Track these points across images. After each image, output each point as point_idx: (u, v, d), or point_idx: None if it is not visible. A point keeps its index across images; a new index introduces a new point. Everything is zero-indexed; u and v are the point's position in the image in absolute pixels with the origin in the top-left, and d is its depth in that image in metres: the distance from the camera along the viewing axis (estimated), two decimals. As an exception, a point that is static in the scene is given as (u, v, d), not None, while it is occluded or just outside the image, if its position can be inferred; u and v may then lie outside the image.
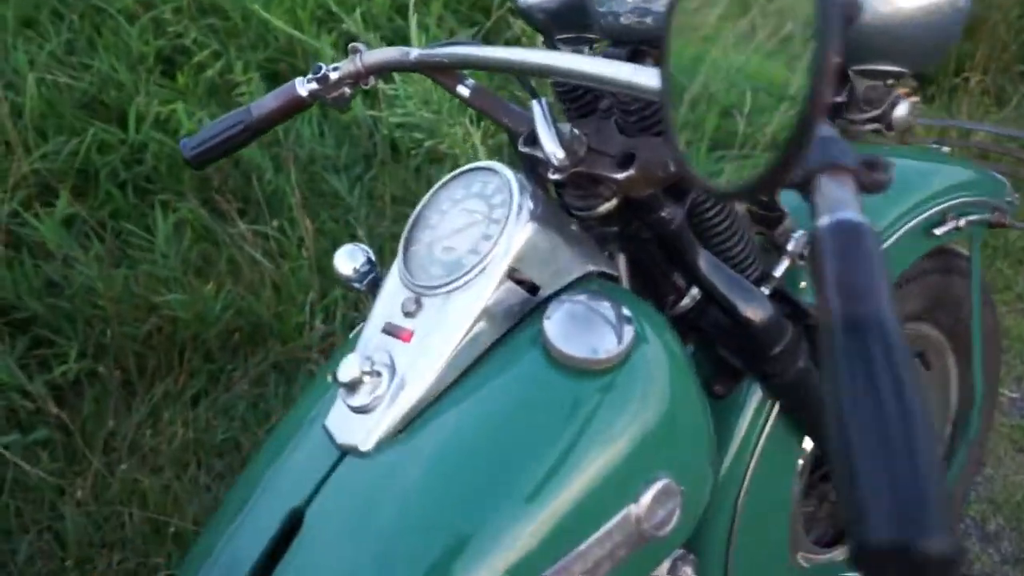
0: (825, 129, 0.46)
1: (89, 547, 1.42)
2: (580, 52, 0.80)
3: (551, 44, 0.82)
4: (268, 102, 0.90)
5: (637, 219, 0.74)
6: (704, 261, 0.74)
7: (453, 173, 0.71)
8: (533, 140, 0.72)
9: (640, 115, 0.69)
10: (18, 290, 1.67)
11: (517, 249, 0.64)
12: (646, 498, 0.61)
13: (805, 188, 0.44)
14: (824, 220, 0.41)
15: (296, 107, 0.89)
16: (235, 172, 2.03)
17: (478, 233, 0.65)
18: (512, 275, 0.64)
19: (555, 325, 0.61)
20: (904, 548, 0.30)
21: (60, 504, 1.45)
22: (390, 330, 0.65)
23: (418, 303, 0.65)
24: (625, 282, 0.76)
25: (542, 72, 0.68)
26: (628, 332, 0.61)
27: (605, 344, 0.61)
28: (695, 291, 0.80)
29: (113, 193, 1.96)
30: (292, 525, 0.62)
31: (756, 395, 0.84)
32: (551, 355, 0.61)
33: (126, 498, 1.46)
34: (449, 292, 0.64)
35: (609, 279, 0.72)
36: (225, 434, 1.57)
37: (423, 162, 2.07)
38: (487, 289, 0.63)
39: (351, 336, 0.79)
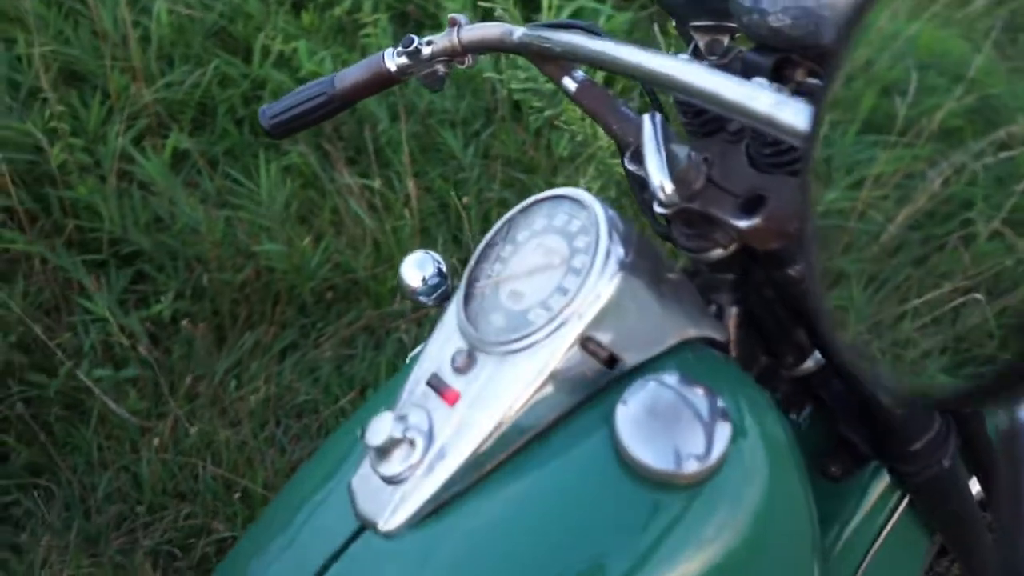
0: None
1: (163, 494, 1.41)
2: (717, 44, 0.64)
3: (683, 31, 0.67)
4: (353, 73, 0.79)
5: (759, 270, 0.59)
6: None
7: (536, 197, 0.58)
8: (640, 158, 0.59)
9: (777, 148, 0.54)
10: (125, 223, 1.67)
11: (596, 312, 0.50)
12: None
13: None
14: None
15: (384, 82, 0.78)
16: (350, 119, 1.96)
17: (553, 282, 0.53)
18: (586, 344, 0.51)
19: (630, 420, 0.48)
20: None
21: (140, 446, 1.46)
22: (436, 384, 0.54)
23: (471, 358, 0.53)
24: (733, 341, 0.62)
25: (660, 83, 0.54)
26: (722, 436, 0.47)
27: (690, 448, 0.47)
28: (819, 354, 0.65)
29: (229, 130, 1.94)
30: None
31: (882, 481, 0.69)
32: (622, 456, 0.48)
33: (203, 449, 1.44)
34: (508, 353, 0.51)
35: (711, 343, 0.58)
36: (307, 396, 1.53)
37: (544, 126, 1.93)
38: (553, 357, 0.50)
39: (408, 361, 0.69)
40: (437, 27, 2.06)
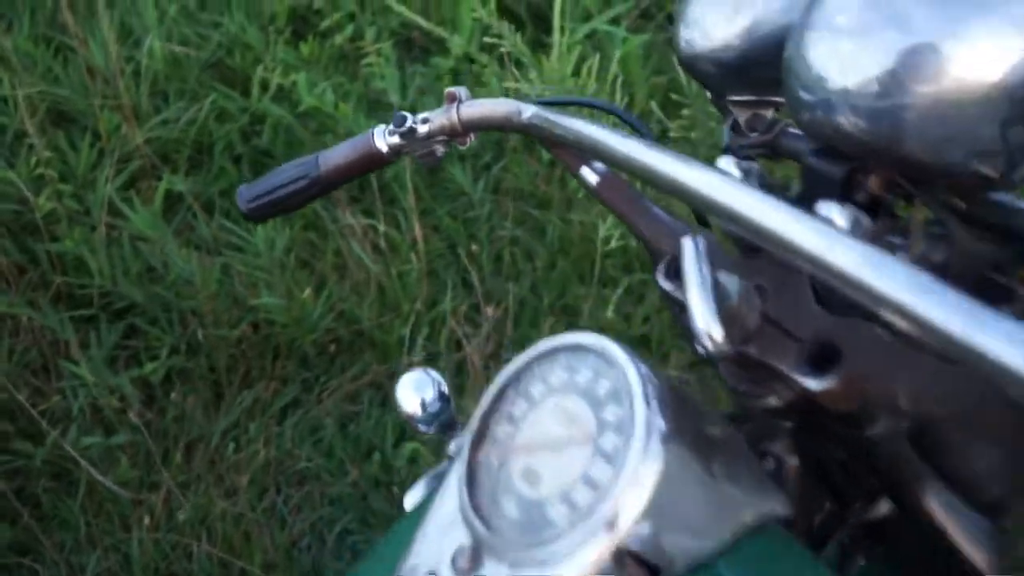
0: None
1: (155, 574, 1.32)
2: (759, 120, 0.54)
3: (720, 104, 0.56)
4: (339, 153, 0.69)
5: (827, 423, 0.48)
6: (934, 497, 0.47)
7: (553, 343, 0.47)
8: (676, 278, 0.48)
9: None
10: (115, 275, 1.58)
11: (634, 517, 0.39)
12: None
13: None
14: None
15: (373, 163, 0.68)
16: (353, 153, 1.86)
17: (577, 467, 0.42)
18: (621, 559, 0.40)
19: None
20: None
21: (131, 522, 1.36)
22: (434, 586, 0.43)
23: (476, 559, 0.42)
24: (792, 497, 0.50)
25: (699, 205, 0.43)
26: None
27: None
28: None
29: (227, 168, 1.84)
30: None
31: None
32: None
33: (197, 525, 1.34)
34: (523, 563, 0.41)
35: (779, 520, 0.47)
36: (309, 462, 1.43)
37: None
38: (581, 568, 0.39)
39: (405, 508, 0.58)
40: (444, 52, 1.95)
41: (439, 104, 0.65)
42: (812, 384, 0.42)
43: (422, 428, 0.58)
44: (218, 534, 1.33)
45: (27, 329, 1.55)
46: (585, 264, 1.67)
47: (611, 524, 0.39)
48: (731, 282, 0.44)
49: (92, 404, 1.47)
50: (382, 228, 1.68)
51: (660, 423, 0.41)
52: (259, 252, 1.57)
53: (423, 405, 0.58)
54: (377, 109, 1.88)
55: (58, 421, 1.45)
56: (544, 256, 1.70)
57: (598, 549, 0.39)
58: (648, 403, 0.41)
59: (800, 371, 0.43)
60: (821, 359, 0.42)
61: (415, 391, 0.58)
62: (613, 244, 1.50)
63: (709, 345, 0.43)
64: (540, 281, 1.68)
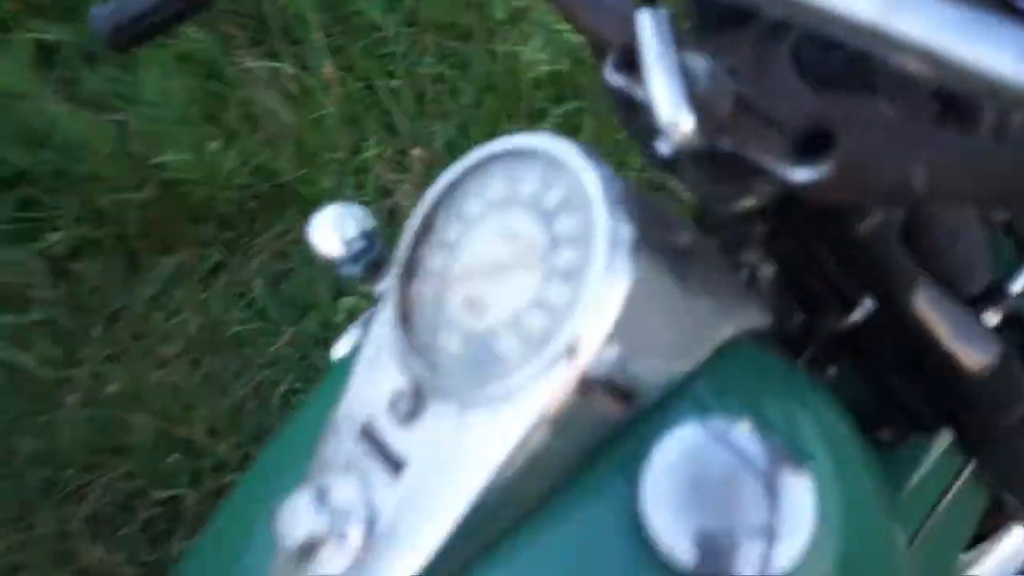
0: None
1: (92, 453, 1.26)
2: None
3: None
4: None
5: (808, 221, 0.43)
6: (924, 295, 0.44)
7: (490, 149, 0.40)
8: (631, 65, 0.41)
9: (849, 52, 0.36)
10: (-3, 141, 1.42)
11: (601, 339, 0.34)
12: None
13: None
14: None
15: None
16: (247, -10, 1.67)
17: (527, 290, 0.36)
18: (588, 390, 0.34)
19: (654, 486, 0.33)
20: None
21: (59, 399, 1.29)
22: (372, 439, 0.38)
23: (419, 400, 0.37)
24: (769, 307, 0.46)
25: None
26: (787, 502, 0.33)
27: (746, 521, 0.33)
28: (868, 303, 0.50)
29: (107, 13, 1.64)
30: None
31: (942, 442, 0.57)
32: (648, 538, 0.33)
33: (130, 398, 1.28)
34: (473, 403, 0.35)
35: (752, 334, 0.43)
36: (242, 325, 1.36)
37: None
38: (538, 407, 0.34)
39: (330, 358, 0.52)
40: None
41: None
42: (801, 175, 0.36)
43: (346, 270, 0.51)
44: (155, 405, 1.27)
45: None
46: (514, 98, 1.57)
47: (572, 351, 0.34)
48: (697, 63, 0.37)
49: (-3, 283, 1.36)
50: (290, 71, 1.53)
51: (625, 232, 0.35)
52: (155, 104, 1.42)
53: (344, 243, 0.51)
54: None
55: (-40, 305, 1.34)
56: (470, 92, 1.59)
57: (559, 380, 0.34)
58: (611, 209, 0.35)
59: (785, 161, 0.36)
60: (809, 145, 0.36)
61: (333, 229, 0.51)
62: (543, 70, 1.40)
63: (678, 137, 0.37)
64: (468, 119, 1.58)
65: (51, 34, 1.54)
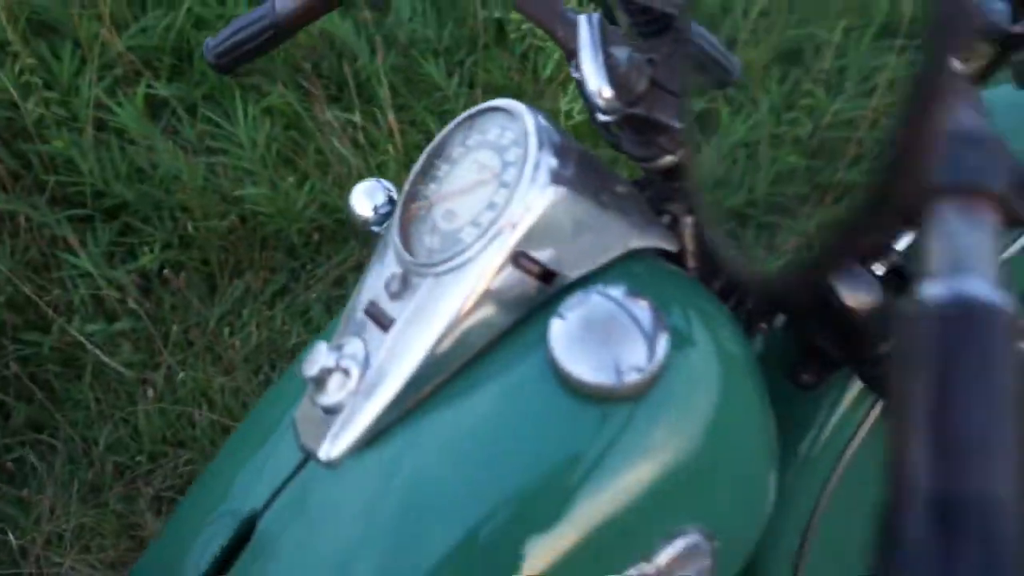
0: (968, 114, 0.27)
1: (162, 442, 1.42)
2: None
3: None
4: None
5: None
6: None
7: (469, 112, 0.55)
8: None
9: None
10: (106, 176, 1.64)
11: (528, 225, 0.47)
12: (663, 557, 0.46)
13: (916, 219, 0.27)
14: (933, 288, 0.24)
15: (325, 5, 0.74)
16: (329, 54, 1.90)
17: (484, 198, 0.50)
18: (519, 261, 0.48)
19: (565, 331, 0.45)
20: None
21: (137, 398, 1.46)
22: (373, 312, 0.52)
23: (406, 282, 0.51)
24: (690, 253, 0.59)
25: None
26: (663, 345, 0.45)
27: (631, 361, 0.45)
28: None
29: (208, 74, 1.89)
30: (247, 531, 0.52)
31: (856, 385, 0.67)
32: (559, 373, 0.46)
33: (198, 396, 1.44)
34: (441, 274, 0.49)
35: (665, 255, 0.55)
36: (299, 338, 1.52)
37: (530, 49, 1.87)
38: (485, 275, 0.48)
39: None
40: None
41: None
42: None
43: (375, 230, 0.66)
44: (218, 405, 1.43)
45: (26, 229, 1.63)
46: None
47: (509, 229, 0.47)
48: (622, 53, 0.52)
49: (93, 296, 1.56)
50: (359, 121, 1.74)
51: (551, 160, 0.49)
52: (243, 148, 1.63)
53: (375, 209, 0.65)
54: None
55: (62, 313, 1.54)
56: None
57: (498, 253, 0.47)
58: (541, 145, 0.49)
59: (679, 120, 0.50)
60: None
61: (367, 197, 0.66)
62: (577, 118, 1.57)
63: (600, 102, 0.51)
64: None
65: (161, 90, 1.79)
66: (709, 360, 0.49)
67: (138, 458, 1.40)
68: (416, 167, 0.56)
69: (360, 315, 0.52)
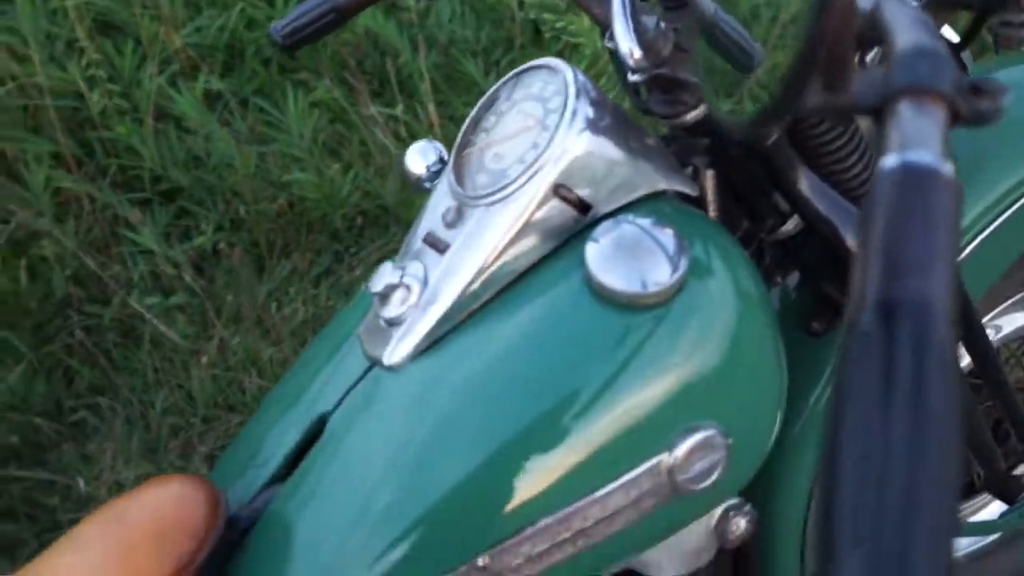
0: (921, 35, 0.35)
1: (214, 407, 1.52)
2: None
3: None
4: None
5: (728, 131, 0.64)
6: (805, 183, 0.63)
7: (517, 70, 0.63)
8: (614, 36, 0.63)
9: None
10: (164, 162, 1.76)
11: (566, 162, 0.56)
12: (682, 449, 0.54)
13: (879, 118, 0.35)
14: (889, 160, 0.32)
15: None
16: (373, 52, 2.01)
17: (528, 141, 0.58)
18: (559, 191, 0.56)
19: (599, 251, 0.54)
20: None
21: (191, 365, 1.56)
22: (430, 240, 0.60)
23: (459, 213, 0.59)
24: (711, 202, 0.67)
25: None
26: (684, 262, 0.53)
27: (655, 276, 0.53)
28: (798, 217, 0.69)
29: (258, 70, 2.00)
30: (317, 430, 0.61)
31: None
32: (592, 284, 0.54)
33: (248, 365, 1.54)
34: (490, 204, 0.57)
35: (689, 200, 0.63)
36: (342, 315, 1.62)
37: (564, 48, 1.96)
38: (529, 204, 0.56)
39: None
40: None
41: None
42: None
43: (427, 187, 0.75)
44: (267, 372, 1.52)
45: (89, 211, 1.75)
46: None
47: (551, 164, 0.56)
48: (650, 21, 0.60)
49: (151, 272, 1.67)
50: (400, 115, 1.83)
51: (588, 109, 0.57)
52: (291, 138, 1.74)
53: (427, 168, 0.74)
54: None
55: (122, 287, 1.65)
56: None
57: (541, 185, 0.56)
58: (579, 95, 0.57)
59: (697, 74, 0.58)
60: None
61: (421, 157, 0.75)
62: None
63: (631, 63, 0.59)
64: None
65: (215, 84, 1.91)
66: (726, 286, 0.57)
67: (192, 420, 1.50)
68: (467, 120, 0.64)
69: (419, 243, 0.61)
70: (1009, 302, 0.93)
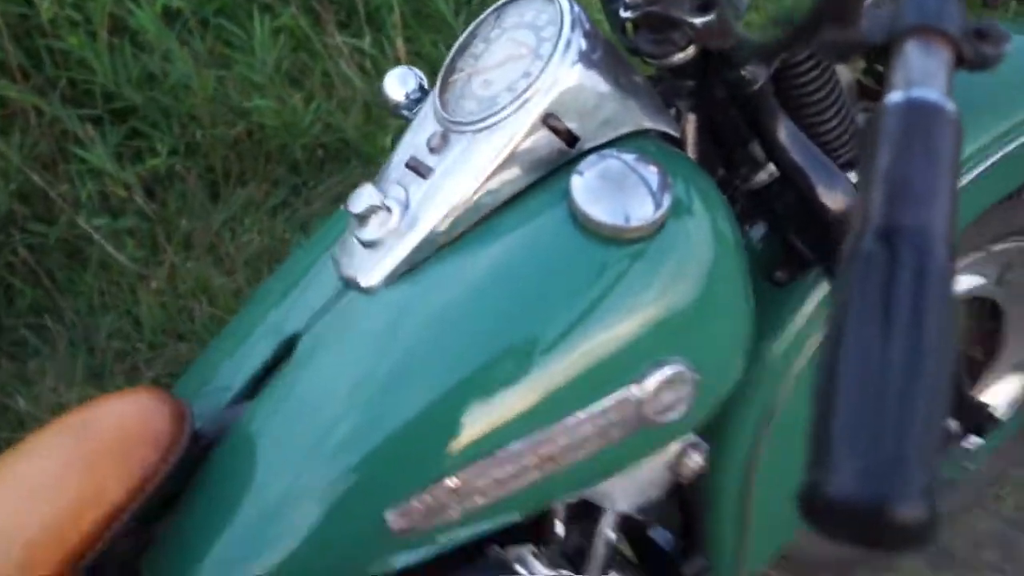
0: None
1: (162, 333, 1.49)
2: None
3: None
4: None
5: (715, 74, 0.64)
6: (785, 132, 0.64)
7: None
8: None
9: None
10: (118, 79, 1.69)
11: (557, 92, 0.56)
12: (651, 381, 0.55)
13: (886, 55, 0.35)
14: (895, 95, 0.33)
15: None
16: (340, -20, 1.95)
17: (520, 69, 0.58)
18: (548, 121, 0.56)
19: (584, 183, 0.54)
20: (869, 511, 0.24)
21: (139, 290, 1.53)
22: (413, 164, 0.60)
23: (444, 139, 0.59)
24: (690, 145, 0.67)
25: None
26: (667, 200, 0.54)
27: (638, 212, 0.54)
28: (773, 167, 0.70)
29: (220, -11, 1.93)
30: (287, 350, 0.60)
31: (823, 286, 0.76)
32: (575, 215, 0.54)
33: (199, 293, 1.51)
34: (477, 131, 0.57)
35: (671, 141, 0.64)
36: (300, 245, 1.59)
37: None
38: (517, 133, 0.56)
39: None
40: None
41: None
42: (697, 20, 0.57)
43: (405, 114, 0.74)
44: (219, 302, 1.50)
45: (36, 124, 1.67)
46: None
47: (541, 94, 0.55)
48: None
49: (101, 192, 1.62)
50: (368, 49, 1.79)
51: (581, 41, 0.57)
52: (253, 63, 1.68)
53: (406, 95, 0.73)
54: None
55: (69, 206, 1.59)
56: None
57: (530, 113, 0.55)
58: (574, 26, 0.57)
59: (690, 14, 0.58)
60: (705, 5, 0.58)
61: (400, 83, 0.73)
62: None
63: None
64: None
65: (175, 1, 1.83)
66: (705, 227, 0.58)
67: (138, 345, 1.47)
68: (455, 45, 0.63)
69: (401, 168, 0.60)
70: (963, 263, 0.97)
